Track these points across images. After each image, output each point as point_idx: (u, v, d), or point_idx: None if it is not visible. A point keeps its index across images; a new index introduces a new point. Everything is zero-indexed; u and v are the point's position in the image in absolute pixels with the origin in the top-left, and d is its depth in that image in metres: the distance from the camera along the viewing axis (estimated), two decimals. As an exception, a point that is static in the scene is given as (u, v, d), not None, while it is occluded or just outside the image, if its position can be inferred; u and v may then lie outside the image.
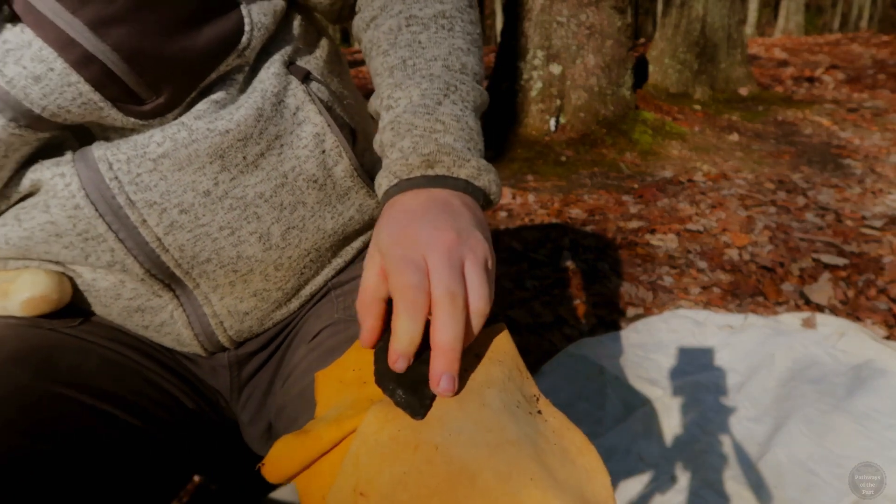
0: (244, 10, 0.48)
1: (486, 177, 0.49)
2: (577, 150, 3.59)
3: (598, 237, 2.49)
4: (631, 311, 1.96)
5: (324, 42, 0.59)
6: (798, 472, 1.26)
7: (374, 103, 0.54)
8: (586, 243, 2.42)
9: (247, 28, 0.48)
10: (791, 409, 1.43)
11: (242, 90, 0.50)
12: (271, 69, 0.51)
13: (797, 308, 1.97)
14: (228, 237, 0.52)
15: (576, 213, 2.75)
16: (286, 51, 0.53)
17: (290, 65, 0.53)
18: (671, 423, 1.45)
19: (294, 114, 0.53)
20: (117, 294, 0.53)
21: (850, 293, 2.03)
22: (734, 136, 4.11)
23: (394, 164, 0.48)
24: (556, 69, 3.76)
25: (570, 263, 2.24)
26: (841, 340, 1.68)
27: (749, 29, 15.28)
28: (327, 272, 0.64)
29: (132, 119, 0.46)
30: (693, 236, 2.51)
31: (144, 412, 0.55)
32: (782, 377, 1.57)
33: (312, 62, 0.57)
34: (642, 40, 7.20)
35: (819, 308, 1.95)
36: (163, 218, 0.48)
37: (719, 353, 1.68)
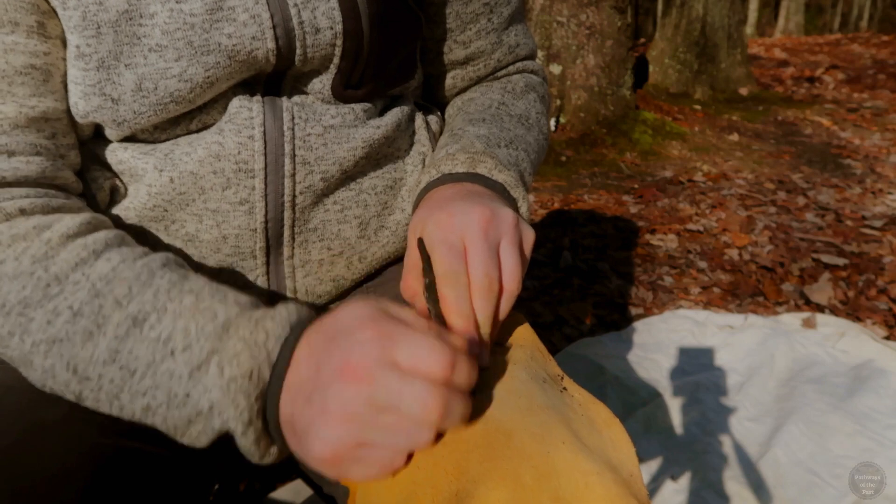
0: (419, 69, 0.66)
1: (520, 191, 0.54)
2: (578, 150, 3.59)
3: (598, 237, 2.49)
4: (631, 311, 1.96)
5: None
6: (798, 472, 1.26)
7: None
8: (586, 243, 2.42)
9: (417, 74, 0.64)
10: (791, 409, 1.43)
11: (390, 107, 0.62)
12: (406, 100, 0.65)
13: (797, 308, 1.97)
14: (338, 213, 0.58)
15: (576, 213, 2.75)
16: (416, 93, 0.69)
17: (415, 102, 0.68)
18: (671, 423, 1.45)
19: (412, 134, 0.64)
20: (217, 248, 0.56)
21: (850, 293, 2.03)
22: (734, 136, 4.11)
23: (440, 160, 0.56)
24: (556, 69, 3.76)
25: (570, 263, 2.24)
26: (841, 340, 1.68)
27: (749, 29, 15.26)
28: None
29: (328, 91, 0.55)
30: (693, 236, 2.51)
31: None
32: (782, 377, 1.57)
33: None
34: (642, 40, 7.20)
35: (819, 308, 1.95)
36: (307, 178, 0.54)
37: (719, 353, 1.68)
